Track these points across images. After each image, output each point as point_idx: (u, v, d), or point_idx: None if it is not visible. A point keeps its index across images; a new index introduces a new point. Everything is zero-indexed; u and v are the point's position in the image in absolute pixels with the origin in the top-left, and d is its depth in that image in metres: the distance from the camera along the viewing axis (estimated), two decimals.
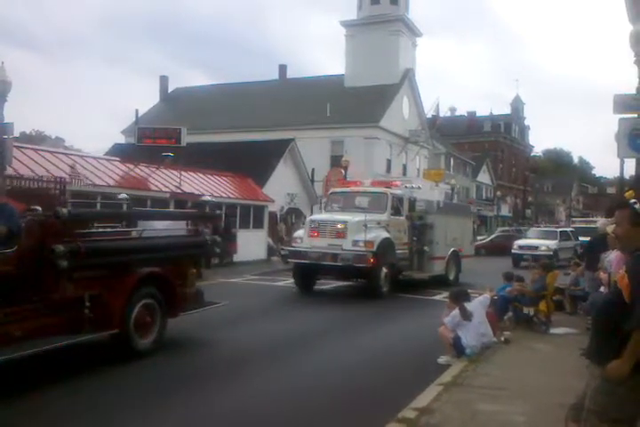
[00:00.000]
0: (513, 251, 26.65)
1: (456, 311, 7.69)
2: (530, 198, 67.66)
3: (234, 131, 37.44)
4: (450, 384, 6.20)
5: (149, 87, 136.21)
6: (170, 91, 49.12)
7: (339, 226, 13.91)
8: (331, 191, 16.96)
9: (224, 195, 22.15)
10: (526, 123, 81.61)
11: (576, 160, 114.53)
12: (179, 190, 19.87)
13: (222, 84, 48.58)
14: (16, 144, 15.59)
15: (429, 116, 44.80)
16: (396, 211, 15.05)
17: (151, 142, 23.17)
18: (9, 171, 13.83)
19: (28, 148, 17.45)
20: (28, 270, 6.02)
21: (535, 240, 27.27)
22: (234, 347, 8.12)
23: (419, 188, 16.66)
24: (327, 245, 13.79)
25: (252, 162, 26.28)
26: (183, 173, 21.06)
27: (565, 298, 11.49)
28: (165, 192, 19.34)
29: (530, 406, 5.55)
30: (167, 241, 8.11)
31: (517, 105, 78.01)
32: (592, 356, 3.27)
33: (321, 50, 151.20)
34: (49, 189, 12.74)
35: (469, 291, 8.77)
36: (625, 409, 3.06)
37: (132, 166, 20.30)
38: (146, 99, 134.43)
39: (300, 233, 14.86)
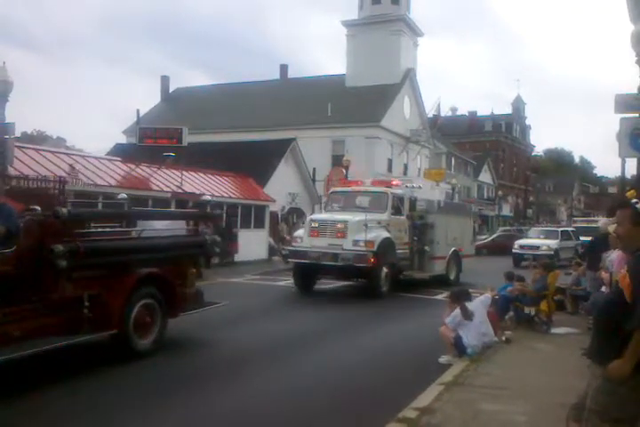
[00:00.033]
0: (514, 250, 26.64)
1: (457, 311, 7.68)
2: (531, 198, 67.64)
3: (235, 131, 37.45)
4: (451, 384, 6.19)
5: (150, 87, 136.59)
6: (171, 91, 49.14)
7: (339, 226, 13.86)
8: (331, 191, 16.94)
9: (225, 195, 22.16)
10: (527, 122, 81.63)
11: (577, 160, 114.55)
12: (180, 190, 19.88)
13: (223, 84, 48.59)
14: (17, 144, 15.61)
15: (430, 115, 44.80)
16: (397, 210, 15.02)
17: (152, 142, 23.20)
18: (10, 171, 13.85)
19: (30, 148, 17.47)
20: (26, 270, 6.00)
21: (536, 240, 27.25)
22: (234, 347, 8.12)
23: (419, 187, 16.65)
24: (327, 244, 13.75)
25: (253, 162, 26.29)
26: (184, 172, 21.07)
27: (567, 298, 11.47)
28: (167, 192, 19.36)
29: (531, 406, 5.54)
30: (167, 241, 8.07)
31: (518, 105, 77.97)
32: (593, 356, 3.26)
33: (322, 50, 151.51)
34: (48, 188, 12.74)
35: (470, 290, 8.77)
36: (626, 409, 3.05)
37: (133, 166, 20.32)
38: (147, 99, 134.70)
39: (300, 233, 14.81)
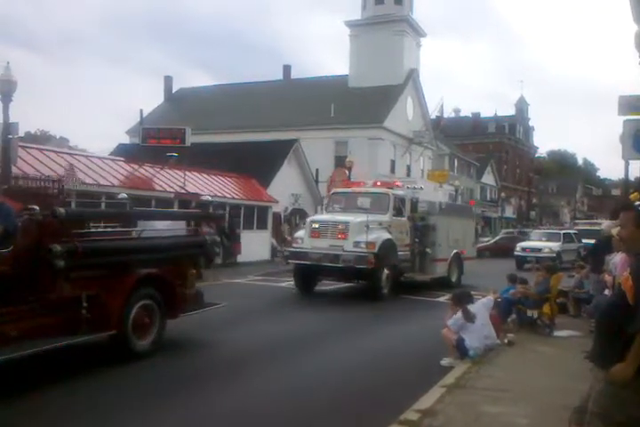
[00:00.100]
0: (516, 253, 26.62)
1: (459, 314, 7.66)
2: (534, 200, 67.56)
3: (238, 131, 37.51)
4: (453, 386, 6.18)
5: (153, 87, 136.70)
6: (174, 91, 49.22)
7: (340, 227, 13.80)
8: (332, 192, 16.88)
9: (228, 195, 22.18)
10: (531, 124, 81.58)
11: (580, 162, 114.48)
12: (183, 191, 19.89)
13: (227, 85, 48.66)
14: (21, 144, 15.65)
15: (433, 116, 44.77)
16: (398, 212, 14.97)
17: (155, 142, 23.22)
18: (14, 170, 13.88)
19: (33, 147, 17.53)
20: (24, 270, 5.96)
21: (538, 242, 27.22)
22: (234, 348, 8.11)
23: (421, 188, 16.57)
24: (328, 245, 13.67)
25: (256, 162, 26.31)
26: (187, 173, 21.09)
27: (569, 301, 11.45)
28: (170, 192, 19.38)
29: (533, 409, 5.52)
30: (167, 241, 8.03)
31: (522, 106, 77.89)
32: (596, 359, 3.25)
33: (325, 50, 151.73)
34: (47, 188, 12.73)
35: (472, 293, 8.75)
36: (629, 412, 3.04)
37: (136, 166, 20.35)
38: (150, 99, 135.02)
39: (300, 234, 14.72)
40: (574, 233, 29.12)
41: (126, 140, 40.28)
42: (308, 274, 14.38)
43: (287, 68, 48.04)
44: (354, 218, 13.85)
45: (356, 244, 13.37)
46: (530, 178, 63.98)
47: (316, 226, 14.22)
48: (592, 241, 13.85)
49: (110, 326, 6.65)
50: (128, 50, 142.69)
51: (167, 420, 5.28)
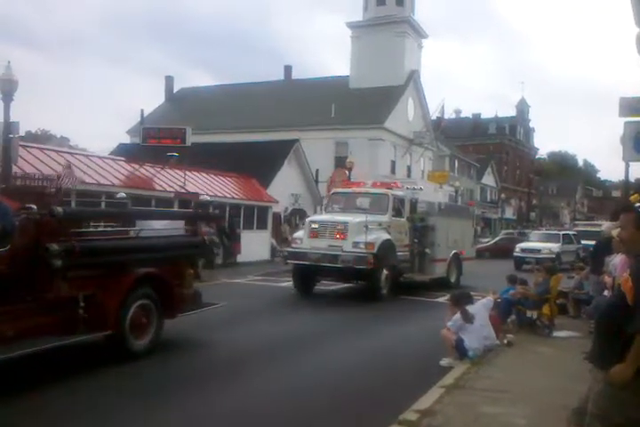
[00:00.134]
0: (515, 254, 26.63)
1: (458, 314, 7.67)
2: (534, 201, 67.58)
3: (239, 131, 37.54)
4: (452, 387, 6.18)
5: (154, 87, 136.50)
6: (175, 91, 49.26)
7: (339, 227, 13.75)
8: (332, 192, 16.84)
9: (228, 195, 22.19)
10: (531, 125, 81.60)
11: (581, 163, 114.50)
12: (183, 190, 19.91)
13: (227, 85, 48.69)
14: (22, 143, 15.66)
15: (434, 117, 44.80)
16: (398, 212, 14.94)
17: (156, 142, 23.25)
18: (15, 169, 13.90)
19: (34, 147, 17.53)
20: (21, 269, 5.93)
21: (537, 243, 27.23)
22: (232, 348, 8.09)
23: (420, 189, 16.55)
24: (327, 246, 13.62)
25: (256, 162, 26.33)
26: (188, 173, 21.10)
27: (569, 301, 11.46)
28: (170, 192, 19.39)
29: (532, 409, 5.53)
30: (164, 241, 8.00)
31: (522, 107, 77.90)
32: (595, 360, 3.26)
33: (326, 51, 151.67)
34: (45, 187, 12.74)
35: (472, 293, 8.75)
36: (627, 413, 3.04)
37: (137, 166, 20.36)
38: (150, 99, 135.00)
39: (299, 234, 14.67)
40: (573, 234, 29.15)
41: (127, 139, 40.32)
42: (307, 274, 14.32)
43: (288, 69, 48.08)
44: (353, 218, 13.82)
45: (355, 244, 13.33)
46: (530, 179, 63.97)
47: (315, 226, 14.16)
48: (591, 242, 13.86)
49: (107, 326, 6.63)
50: (129, 49, 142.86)
51: (167, 420, 5.28)
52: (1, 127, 13.82)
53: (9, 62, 14.18)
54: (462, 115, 71.97)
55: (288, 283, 15.86)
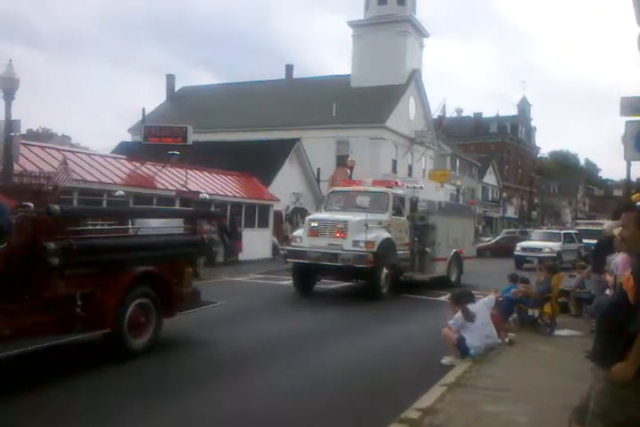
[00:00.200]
0: (516, 253, 26.56)
1: (460, 313, 7.67)
2: (536, 200, 67.50)
3: (240, 130, 37.54)
4: (453, 385, 6.18)
5: (155, 86, 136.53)
6: (176, 90, 49.25)
7: (339, 225, 13.67)
8: (332, 190, 16.71)
9: (230, 194, 22.21)
10: (533, 124, 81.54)
11: (582, 162, 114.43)
12: (184, 189, 19.92)
13: (229, 84, 48.69)
14: (23, 141, 15.68)
15: (435, 116, 44.78)
16: (398, 211, 14.88)
17: (157, 141, 23.26)
18: (16, 167, 13.90)
19: (35, 145, 17.54)
20: (18, 268, 5.90)
21: (538, 242, 27.16)
22: (232, 347, 8.07)
23: (421, 188, 16.47)
24: (327, 244, 13.54)
25: (257, 161, 26.35)
26: (189, 171, 21.12)
27: (570, 300, 11.45)
28: (171, 190, 19.41)
29: (533, 408, 5.53)
30: (163, 239, 7.94)
31: (524, 106, 77.83)
32: (596, 358, 3.25)
33: (328, 50, 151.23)
34: (42, 185, 12.72)
35: (473, 292, 8.75)
36: (629, 412, 3.04)
37: (138, 165, 20.37)
38: (152, 97, 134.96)
39: (299, 232, 14.56)
40: (575, 233, 29.09)
41: (128, 138, 40.31)
42: (307, 273, 14.25)
43: (289, 68, 48.05)
44: (353, 217, 13.75)
45: (355, 243, 13.27)
46: (531, 178, 63.90)
47: (315, 225, 14.06)
48: (593, 241, 13.85)
49: (105, 325, 6.58)
50: (130, 48, 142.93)
51: (166, 419, 5.26)
52: (2, 125, 13.83)
53: (10, 61, 14.21)
54: (464, 114, 72.08)
55: (289, 281, 15.84)
